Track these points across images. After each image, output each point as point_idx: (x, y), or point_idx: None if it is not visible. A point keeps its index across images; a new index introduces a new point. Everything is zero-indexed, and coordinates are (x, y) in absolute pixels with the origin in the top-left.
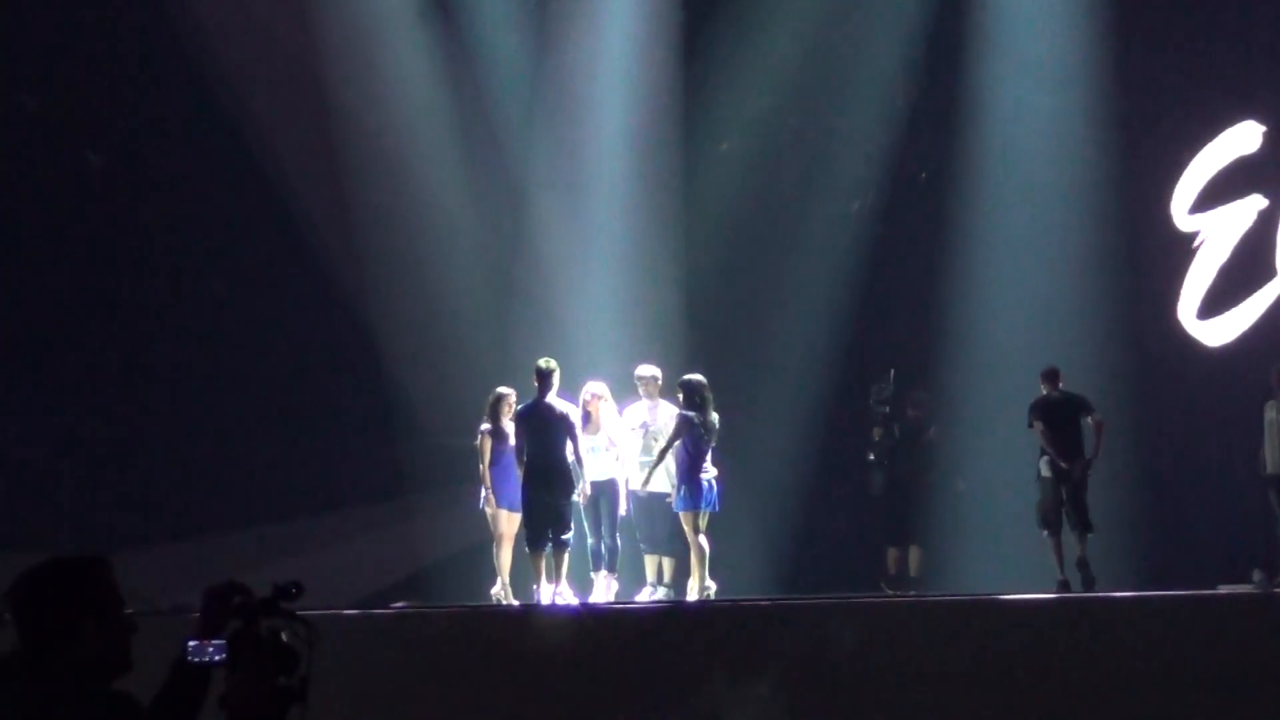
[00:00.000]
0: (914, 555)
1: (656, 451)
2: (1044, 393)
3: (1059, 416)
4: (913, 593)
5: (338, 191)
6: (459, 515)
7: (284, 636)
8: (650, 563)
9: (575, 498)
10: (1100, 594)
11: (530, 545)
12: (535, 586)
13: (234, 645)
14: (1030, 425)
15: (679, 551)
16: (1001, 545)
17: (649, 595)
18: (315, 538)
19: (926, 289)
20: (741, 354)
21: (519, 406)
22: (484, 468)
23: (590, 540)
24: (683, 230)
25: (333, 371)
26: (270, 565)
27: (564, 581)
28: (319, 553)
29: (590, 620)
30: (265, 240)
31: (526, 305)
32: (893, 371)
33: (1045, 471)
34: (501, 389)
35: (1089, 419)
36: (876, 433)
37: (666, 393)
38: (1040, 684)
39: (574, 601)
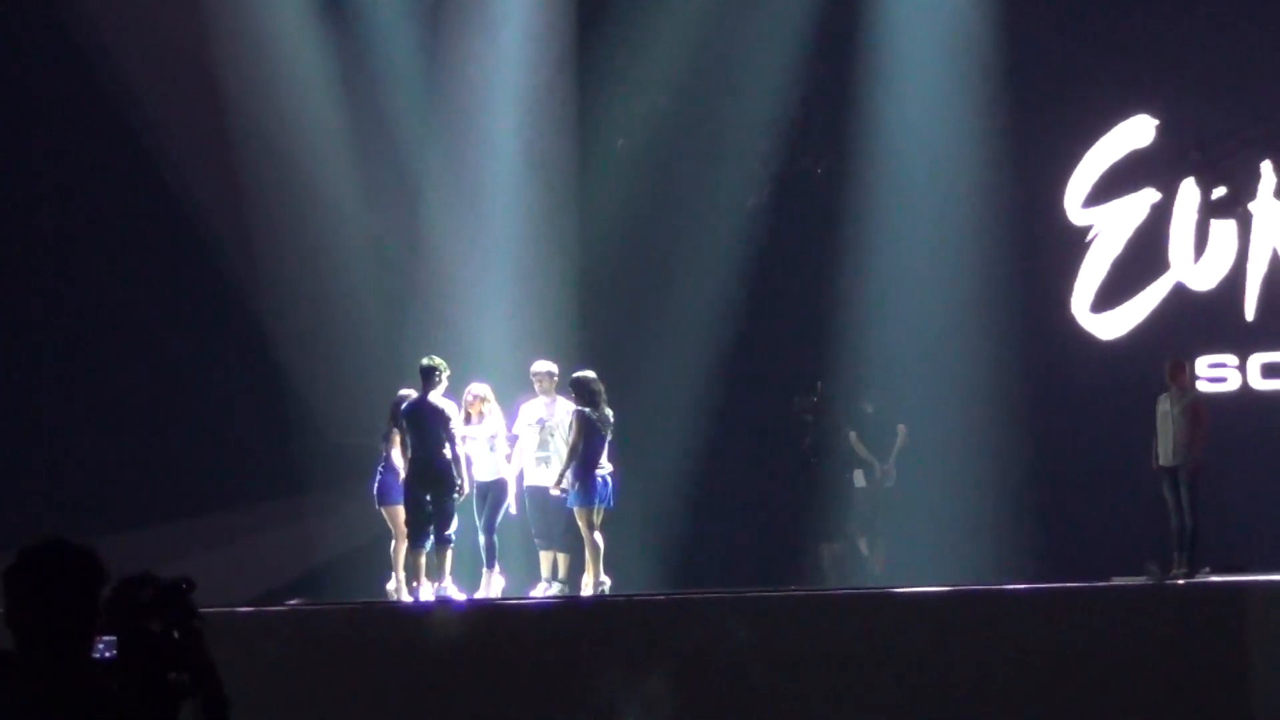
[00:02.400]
0: (831, 550)
1: (552, 447)
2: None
3: None
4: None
5: (231, 190)
6: (353, 512)
7: (174, 633)
8: (545, 558)
9: (457, 496)
10: (994, 586)
11: (411, 543)
12: (415, 584)
13: (124, 642)
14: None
15: (573, 547)
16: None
17: (543, 591)
18: (208, 535)
19: (820, 284)
20: (636, 350)
21: (404, 405)
22: (394, 463)
23: (482, 538)
24: (576, 227)
25: (227, 370)
26: (162, 563)
27: (448, 578)
28: (212, 550)
29: (485, 616)
30: (158, 238)
31: (421, 303)
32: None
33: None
34: (404, 390)
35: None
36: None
37: (563, 388)
38: (935, 676)
39: (460, 598)
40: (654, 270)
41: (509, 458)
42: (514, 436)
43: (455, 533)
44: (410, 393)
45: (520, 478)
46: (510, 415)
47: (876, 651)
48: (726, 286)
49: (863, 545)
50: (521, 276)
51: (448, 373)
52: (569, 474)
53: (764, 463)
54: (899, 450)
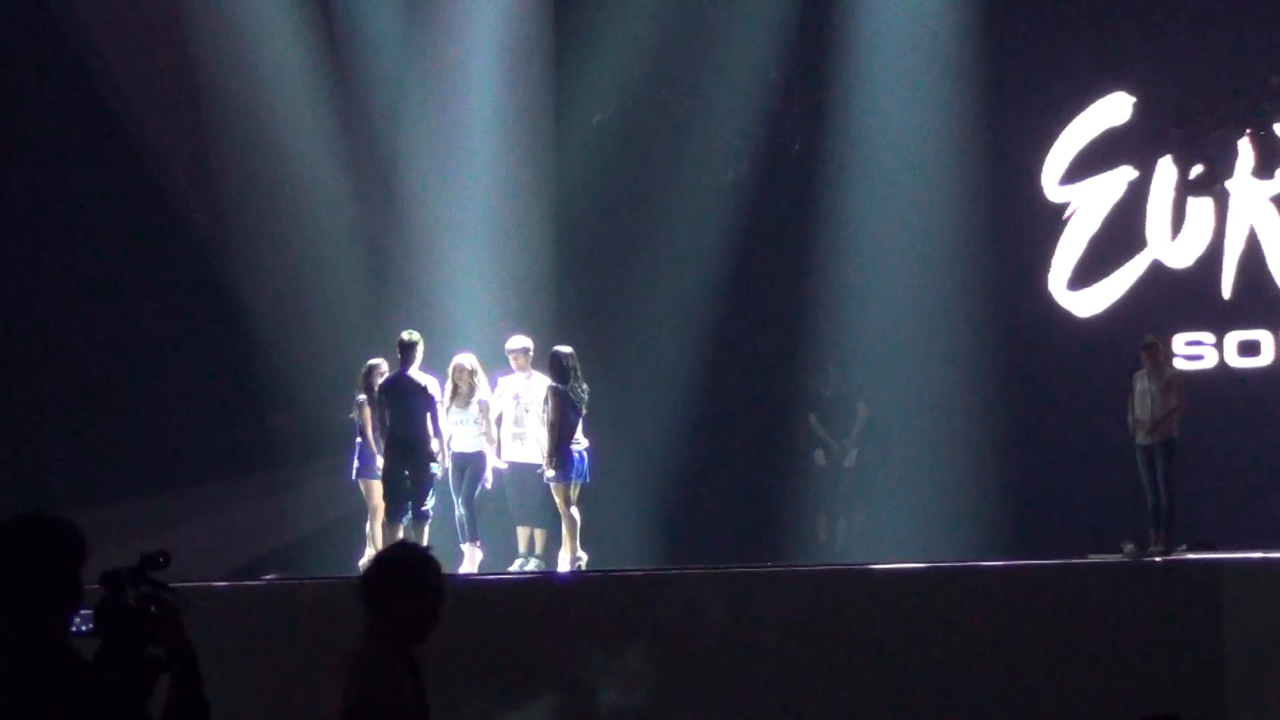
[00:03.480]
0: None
1: (527, 423)
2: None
3: None
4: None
5: (205, 161)
6: (329, 487)
7: (151, 608)
8: (522, 534)
9: (434, 469)
10: (969, 563)
11: (388, 516)
12: None
13: (100, 615)
14: None
15: (550, 522)
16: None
17: (520, 566)
18: (184, 510)
19: (798, 259)
20: (613, 325)
21: (381, 379)
22: (369, 435)
23: (458, 512)
24: (554, 201)
25: (200, 343)
26: (139, 537)
27: None
28: (188, 525)
29: (461, 591)
30: (131, 210)
31: (397, 277)
32: (830, 367)
33: None
34: (373, 360)
35: None
36: (813, 418)
37: (539, 364)
38: (910, 653)
39: None
40: (632, 245)
41: (488, 434)
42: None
43: (432, 508)
44: (380, 363)
45: (498, 453)
46: (490, 390)
47: (853, 628)
48: (704, 261)
49: (820, 524)
50: (498, 250)
51: (421, 346)
52: (544, 449)
53: (743, 436)
54: (860, 428)
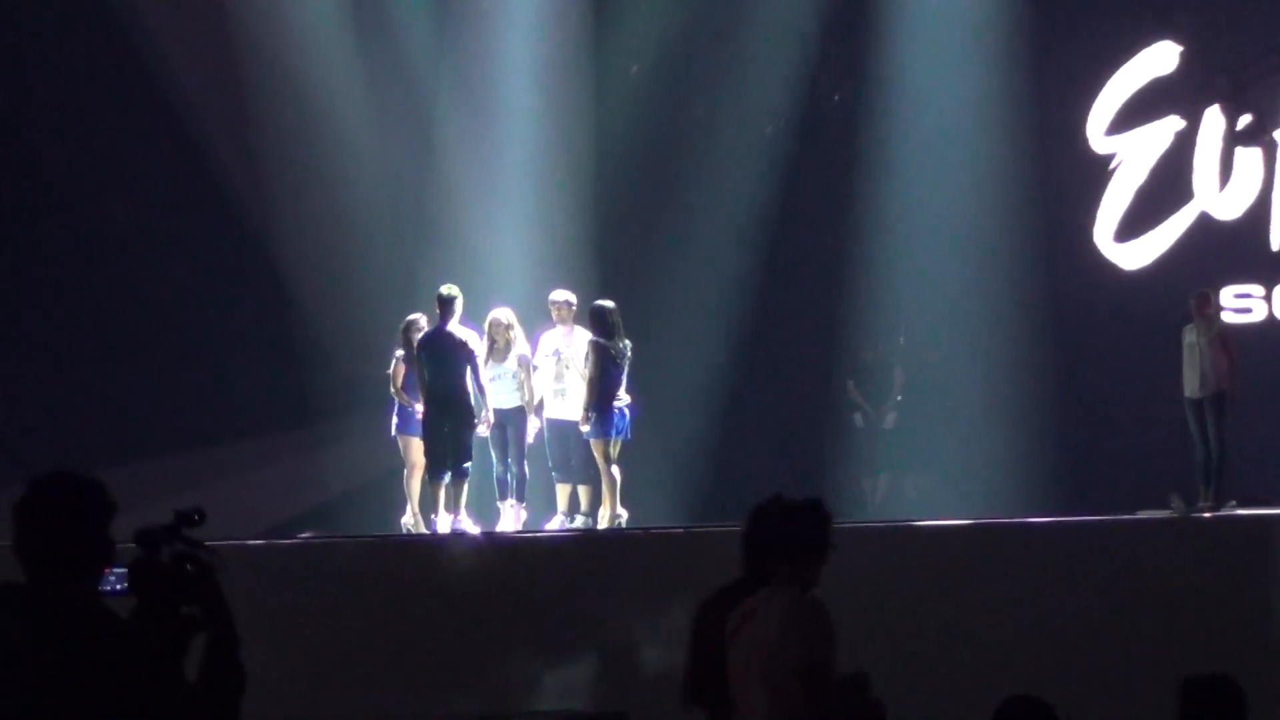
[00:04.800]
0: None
1: (568, 379)
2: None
3: None
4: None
5: (239, 113)
6: (368, 443)
7: (186, 566)
8: (562, 492)
9: (478, 426)
10: (1017, 519)
11: (430, 475)
12: (434, 516)
13: (135, 574)
14: None
15: (593, 480)
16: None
17: (560, 524)
18: (220, 466)
19: (838, 214)
20: (654, 279)
21: (420, 334)
22: (396, 389)
23: (497, 469)
24: (593, 154)
25: (236, 298)
26: (173, 494)
27: (463, 511)
28: (223, 482)
29: (501, 549)
30: (163, 161)
31: (435, 230)
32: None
33: None
34: (413, 315)
35: None
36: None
37: (580, 319)
38: (957, 610)
39: (475, 531)
40: (671, 198)
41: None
42: (534, 367)
43: (470, 465)
44: (419, 318)
45: (540, 409)
46: (529, 347)
47: (899, 586)
48: (743, 216)
49: (867, 484)
50: (537, 203)
51: (460, 300)
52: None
53: (786, 394)
54: (897, 393)
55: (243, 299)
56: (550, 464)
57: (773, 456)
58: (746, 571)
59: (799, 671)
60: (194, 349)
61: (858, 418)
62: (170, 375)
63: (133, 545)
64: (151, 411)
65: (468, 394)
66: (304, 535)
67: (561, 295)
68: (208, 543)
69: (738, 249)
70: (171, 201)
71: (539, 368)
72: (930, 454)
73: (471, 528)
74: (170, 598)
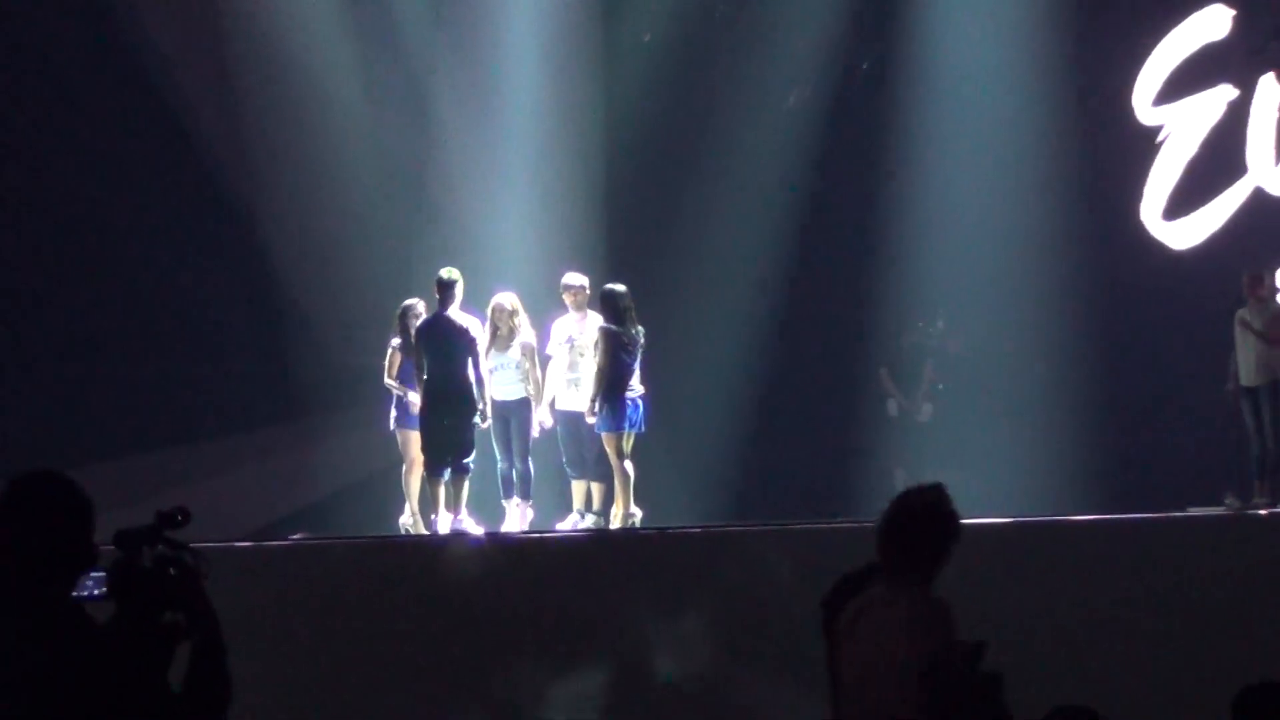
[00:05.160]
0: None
1: (582, 368)
2: None
3: None
4: None
5: (225, 90)
6: (363, 438)
7: (169, 570)
8: (578, 489)
9: (477, 420)
10: (1059, 517)
11: (429, 471)
12: (434, 516)
13: (115, 578)
14: None
15: (608, 476)
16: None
17: (574, 523)
18: (204, 464)
19: (868, 191)
20: (670, 260)
21: (418, 321)
22: (390, 379)
23: (500, 465)
24: (605, 127)
25: (223, 285)
26: (155, 493)
27: (465, 510)
28: (208, 480)
29: (505, 551)
30: (147, 140)
31: (433, 211)
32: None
33: None
34: (410, 300)
35: None
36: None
37: (595, 303)
38: (996, 612)
39: (478, 531)
40: (687, 176)
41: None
42: (546, 357)
43: (473, 461)
44: (416, 303)
45: (551, 403)
46: (542, 335)
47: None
48: (766, 193)
49: (899, 478)
50: (544, 182)
51: (461, 284)
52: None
53: (814, 383)
54: (925, 388)
55: (227, 284)
56: (564, 459)
57: (799, 450)
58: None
59: (920, 671)
60: (175, 338)
61: (892, 404)
62: (150, 367)
63: (112, 548)
64: (130, 406)
65: (469, 385)
66: (295, 537)
67: (574, 279)
68: (191, 545)
69: (760, 227)
70: (148, 179)
71: (553, 357)
72: (965, 447)
73: (474, 528)
74: (152, 603)
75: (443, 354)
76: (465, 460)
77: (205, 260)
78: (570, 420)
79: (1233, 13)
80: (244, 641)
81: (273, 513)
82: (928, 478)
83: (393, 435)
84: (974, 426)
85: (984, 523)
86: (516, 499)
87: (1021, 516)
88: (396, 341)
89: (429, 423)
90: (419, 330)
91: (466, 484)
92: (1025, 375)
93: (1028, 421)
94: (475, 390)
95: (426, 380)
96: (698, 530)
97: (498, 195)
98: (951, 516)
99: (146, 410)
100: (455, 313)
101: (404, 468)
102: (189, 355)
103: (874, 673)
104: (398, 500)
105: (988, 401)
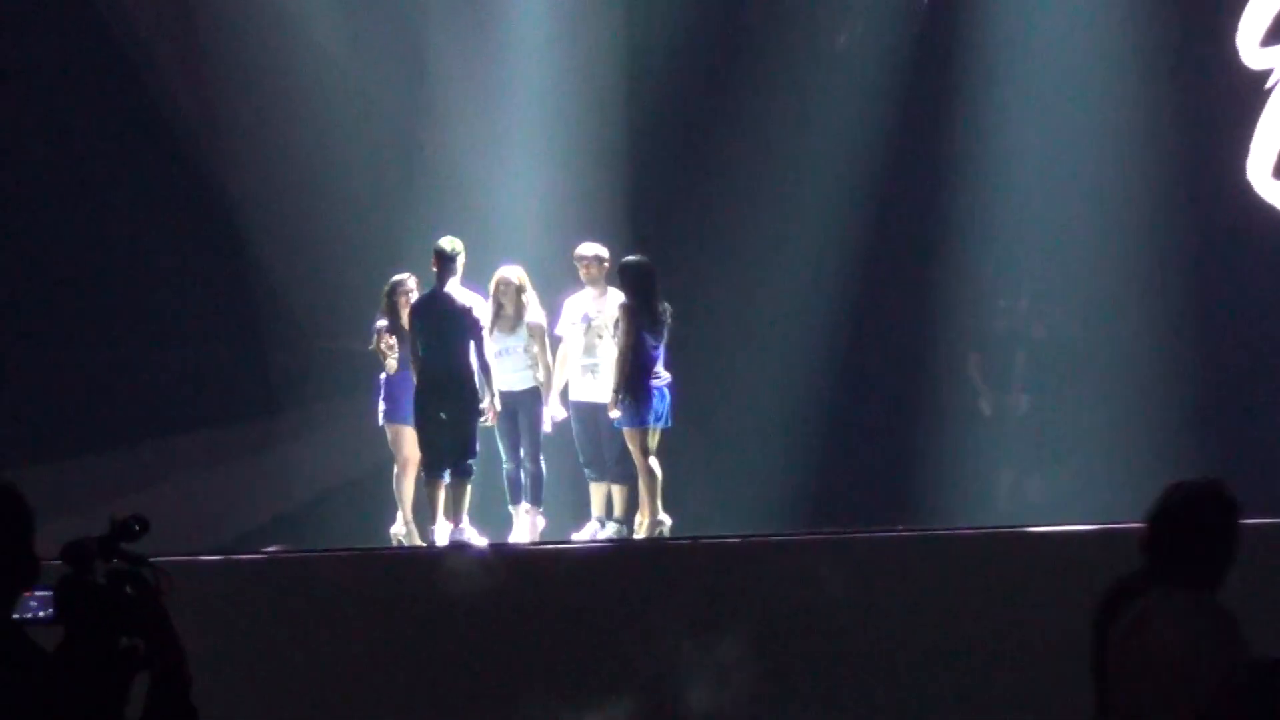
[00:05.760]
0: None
1: (600, 351)
2: None
3: None
4: None
5: (190, 38)
6: (349, 435)
7: (125, 588)
8: (597, 492)
9: (482, 414)
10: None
11: (425, 473)
12: (431, 525)
13: (63, 597)
14: None
15: (630, 478)
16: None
17: (593, 533)
18: (166, 465)
19: (930, 142)
20: (699, 229)
21: (410, 299)
22: (383, 349)
23: (507, 466)
24: (625, 75)
25: (186, 258)
26: (109, 499)
27: (466, 518)
28: (171, 484)
29: (513, 564)
30: (104, 101)
31: (431, 175)
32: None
33: None
34: (399, 275)
35: None
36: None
37: (615, 278)
38: (1079, 629)
39: (480, 542)
40: (723, 130)
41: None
42: (558, 338)
43: (475, 462)
44: (408, 278)
45: (564, 391)
46: (553, 314)
47: (1004, 602)
48: (816, 147)
49: (1002, 483)
50: (556, 140)
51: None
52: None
53: (869, 370)
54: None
55: (192, 259)
56: (581, 458)
57: (858, 447)
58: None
59: (1201, 686)
60: (128, 320)
61: (984, 405)
62: (99, 353)
63: (59, 562)
64: (82, 399)
65: (471, 372)
66: (271, 549)
67: (590, 249)
68: (152, 559)
69: (810, 190)
70: (107, 141)
71: (565, 339)
72: (1054, 447)
73: (476, 539)
74: (106, 626)
75: (440, 337)
76: (467, 461)
77: (165, 230)
78: (587, 413)
79: None
80: (212, 670)
81: (245, 521)
82: (1033, 479)
83: (382, 431)
84: (1060, 419)
85: (1064, 530)
86: (526, 505)
87: (1112, 523)
88: (383, 323)
89: (424, 417)
90: (413, 309)
91: (469, 488)
92: (1115, 359)
93: (1120, 412)
94: (478, 379)
95: (421, 368)
96: (736, 540)
97: (504, 155)
98: (1235, 511)
99: (97, 403)
100: (454, 288)
101: (395, 469)
102: (143, 339)
103: (1149, 681)
104: (389, 507)
105: (1073, 389)
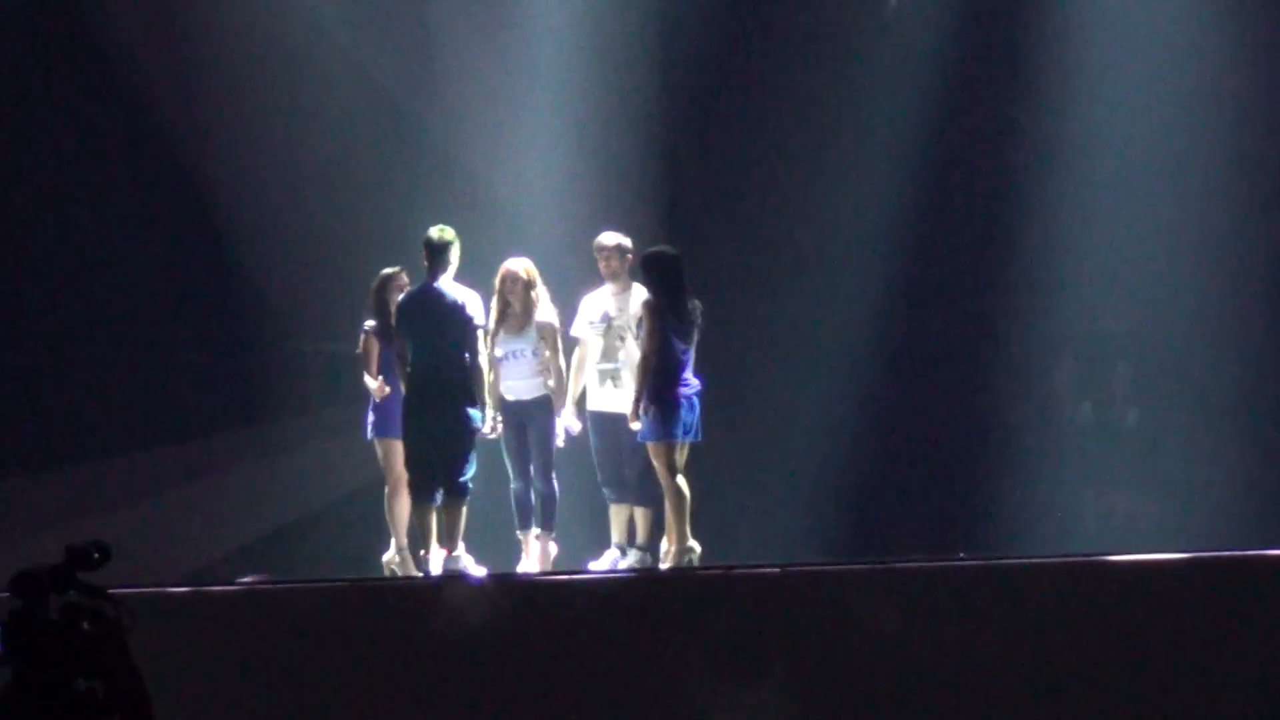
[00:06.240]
0: None
1: (622, 355)
2: None
3: None
4: None
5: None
6: (335, 451)
7: (83, 624)
8: (617, 516)
9: (480, 426)
10: (1251, 550)
11: (413, 494)
12: (423, 553)
13: (12, 633)
14: None
15: (654, 499)
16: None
17: (612, 562)
18: (129, 485)
19: (999, 128)
20: (730, 219)
21: (401, 295)
22: (370, 379)
23: (514, 485)
24: (657, 41)
25: (154, 251)
26: (67, 524)
27: (461, 545)
28: (134, 506)
29: (519, 598)
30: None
31: (431, 157)
32: None
33: None
34: (389, 269)
35: None
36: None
37: (637, 273)
38: (1165, 664)
39: (478, 573)
40: (758, 103)
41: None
42: (573, 340)
43: (473, 479)
44: (398, 272)
45: (579, 402)
46: (568, 313)
47: (1083, 636)
48: (862, 123)
49: (1094, 507)
50: (574, 118)
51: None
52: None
53: (920, 381)
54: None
55: (161, 251)
56: (599, 477)
57: (912, 465)
58: None
59: None
60: (96, 323)
61: (1083, 410)
62: (55, 357)
63: (9, 595)
64: (34, 409)
65: (465, 378)
66: (246, 579)
67: (611, 239)
68: (112, 590)
69: (861, 178)
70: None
71: (581, 341)
72: (1142, 464)
73: (474, 569)
74: (60, 667)
75: (431, 336)
76: (461, 479)
77: (135, 226)
78: (606, 425)
79: None
80: (181, 717)
81: (218, 548)
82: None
83: (371, 446)
84: (1152, 436)
85: (1148, 560)
86: (536, 530)
87: (1206, 550)
88: (371, 324)
89: (412, 429)
90: (399, 307)
91: (464, 510)
92: (1212, 373)
93: (1219, 432)
94: (474, 385)
95: (410, 372)
96: (774, 571)
97: (516, 134)
98: None
99: (53, 414)
100: (447, 282)
101: (387, 490)
102: (106, 342)
103: None
104: (380, 532)
105: (1169, 405)
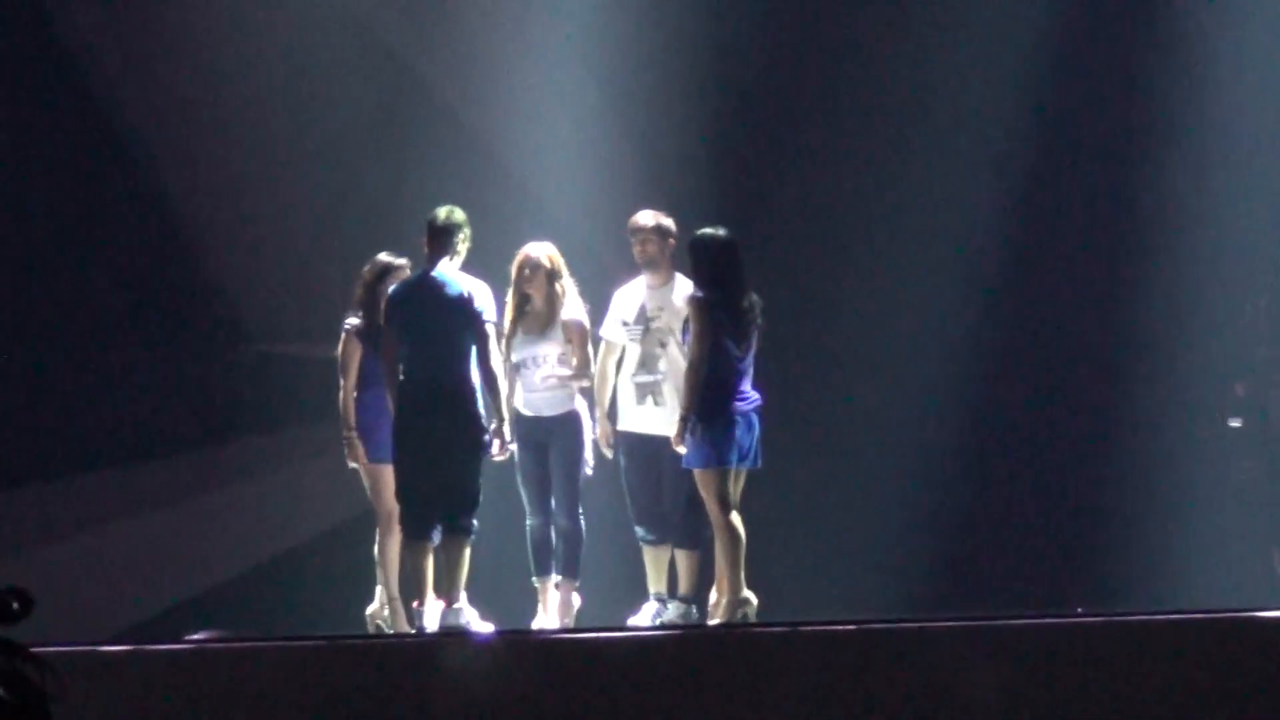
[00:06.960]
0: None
1: (663, 363)
2: None
3: None
4: None
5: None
6: (312, 479)
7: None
8: (654, 561)
9: (491, 446)
10: None
11: (407, 531)
12: (416, 604)
13: None
14: None
15: (701, 539)
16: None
17: (651, 616)
18: (61, 517)
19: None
20: (801, 202)
21: (392, 285)
22: (345, 392)
23: (530, 522)
24: (702, 30)
25: (108, 240)
26: None
27: (463, 594)
28: (64, 544)
29: (535, 659)
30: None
31: (443, 129)
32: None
33: None
34: (384, 257)
35: None
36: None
37: (683, 262)
38: None
39: (485, 628)
40: (829, 80)
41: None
42: (600, 341)
43: (474, 514)
44: (391, 261)
45: (613, 418)
46: (599, 309)
47: (1214, 697)
48: (961, 102)
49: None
50: (608, 85)
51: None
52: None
53: (1023, 402)
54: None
55: (116, 241)
56: (632, 512)
57: (1015, 505)
58: None
59: None
60: (37, 332)
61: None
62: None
63: None
64: None
65: (470, 386)
66: (198, 636)
67: (649, 218)
68: (35, 649)
69: (964, 162)
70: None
71: (607, 343)
72: None
73: (478, 622)
74: None
75: (428, 335)
76: (464, 513)
77: (83, 205)
78: (642, 450)
79: None
80: None
81: (164, 597)
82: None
83: (355, 474)
84: None
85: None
86: (556, 577)
87: None
88: (354, 322)
89: (404, 450)
90: (390, 298)
91: (467, 551)
92: None
93: None
94: (483, 397)
95: (402, 380)
96: (850, 628)
97: (541, 104)
98: None
99: None
100: (448, 269)
101: (378, 530)
102: (47, 347)
103: None
104: (365, 578)
105: None
